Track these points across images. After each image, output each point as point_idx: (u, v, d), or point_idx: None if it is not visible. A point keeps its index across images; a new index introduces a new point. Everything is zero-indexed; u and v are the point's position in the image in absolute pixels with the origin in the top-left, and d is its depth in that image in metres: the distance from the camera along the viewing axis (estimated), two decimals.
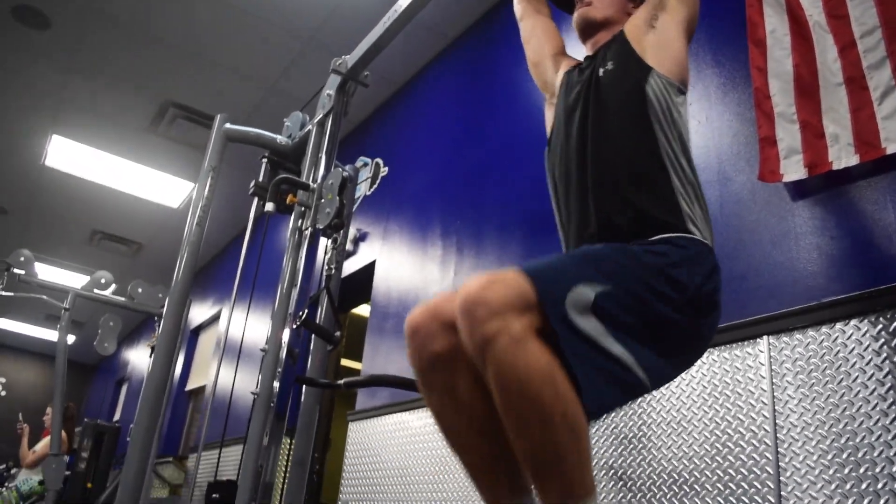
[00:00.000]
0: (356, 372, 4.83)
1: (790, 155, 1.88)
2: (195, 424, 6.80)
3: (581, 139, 1.48)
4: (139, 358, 9.11)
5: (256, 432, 2.17)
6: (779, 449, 1.63)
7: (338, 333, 2.17)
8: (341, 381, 2.21)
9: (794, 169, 1.87)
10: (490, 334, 1.03)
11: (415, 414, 3.01)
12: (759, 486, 1.64)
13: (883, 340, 1.55)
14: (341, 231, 2.28)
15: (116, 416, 9.94)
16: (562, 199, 1.53)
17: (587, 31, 1.67)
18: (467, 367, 1.16)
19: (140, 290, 4.99)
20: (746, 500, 1.65)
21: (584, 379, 1.07)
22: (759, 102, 2.00)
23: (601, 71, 1.52)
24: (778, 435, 1.65)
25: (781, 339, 1.72)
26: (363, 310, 4.45)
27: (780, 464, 1.62)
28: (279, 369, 2.23)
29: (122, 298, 4.94)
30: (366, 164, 4.63)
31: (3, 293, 4.31)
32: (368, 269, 4.04)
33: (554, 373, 1.04)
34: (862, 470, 1.50)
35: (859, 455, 1.51)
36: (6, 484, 5.74)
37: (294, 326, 2.12)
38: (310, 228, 2.35)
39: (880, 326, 1.57)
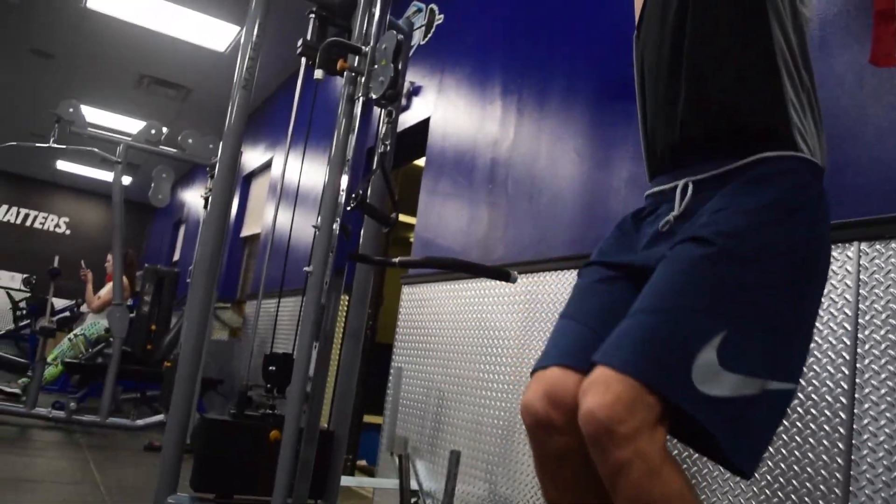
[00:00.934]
0: (409, 226, 4.81)
1: None
2: (251, 270, 7.01)
3: (678, 27, 1.25)
4: (195, 200, 9.29)
5: (311, 310, 2.16)
6: (857, 365, 1.53)
7: (393, 215, 2.08)
8: (396, 260, 2.16)
9: None
10: (623, 462, 0.95)
11: (467, 284, 2.98)
12: (832, 402, 1.56)
13: None
14: (396, 102, 2.12)
15: (176, 257, 10.33)
16: (649, 97, 1.32)
17: None
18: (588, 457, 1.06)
19: (191, 140, 4.93)
20: (815, 413, 1.58)
21: (736, 451, 0.99)
22: None
23: None
24: (858, 350, 1.53)
25: (875, 246, 1.56)
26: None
27: (856, 380, 1.52)
28: (333, 245, 2.18)
29: (174, 150, 4.90)
30: (419, 11, 4.32)
31: (55, 145, 4.29)
32: (422, 126, 3.88)
33: (685, 496, 0.97)
34: None
35: None
36: (74, 330, 6.08)
37: (349, 209, 2.03)
38: (362, 97, 2.19)
39: None
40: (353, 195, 2.01)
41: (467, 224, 3.17)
